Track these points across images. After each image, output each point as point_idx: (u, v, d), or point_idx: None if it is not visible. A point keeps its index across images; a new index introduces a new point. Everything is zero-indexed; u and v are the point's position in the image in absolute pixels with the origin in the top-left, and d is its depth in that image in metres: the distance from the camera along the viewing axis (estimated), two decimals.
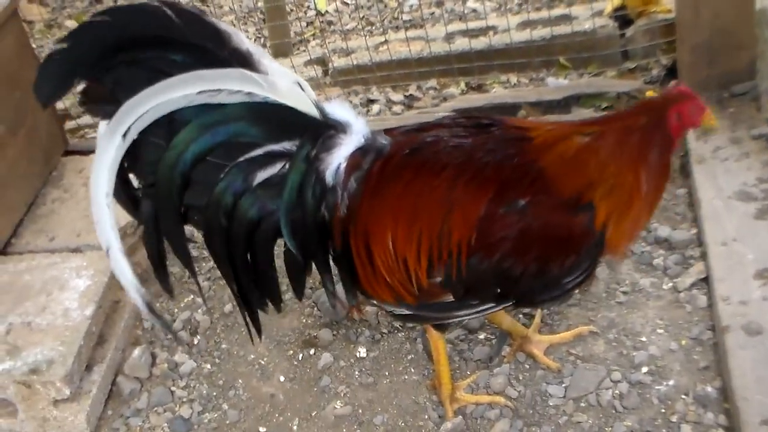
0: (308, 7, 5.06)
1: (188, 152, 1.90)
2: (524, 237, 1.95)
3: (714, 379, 2.32)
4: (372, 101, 3.83)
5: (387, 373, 2.56)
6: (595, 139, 1.97)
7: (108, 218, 1.89)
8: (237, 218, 1.99)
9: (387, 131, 2.11)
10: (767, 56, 3.10)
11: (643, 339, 2.48)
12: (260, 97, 1.87)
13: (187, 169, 1.92)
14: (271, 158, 1.95)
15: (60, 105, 3.76)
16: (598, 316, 2.57)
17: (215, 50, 1.86)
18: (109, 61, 1.87)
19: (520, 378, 2.46)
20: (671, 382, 2.34)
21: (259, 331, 2.16)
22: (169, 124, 1.89)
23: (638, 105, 2.12)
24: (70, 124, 3.84)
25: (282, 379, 2.61)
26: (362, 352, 2.64)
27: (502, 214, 1.95)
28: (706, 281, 2.56)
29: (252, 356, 2.69)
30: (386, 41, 3.95)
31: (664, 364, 2.39)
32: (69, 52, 1.85)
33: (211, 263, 3.04)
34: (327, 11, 4.98)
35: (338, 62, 4.03)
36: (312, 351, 2.68)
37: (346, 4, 5.04)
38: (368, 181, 2.01)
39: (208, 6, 5.17)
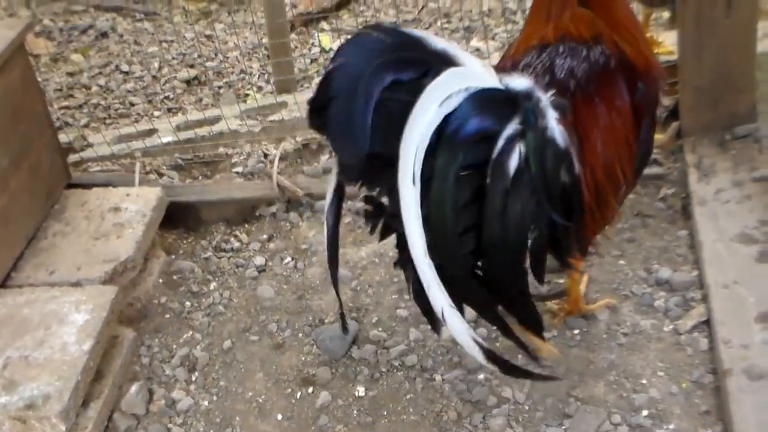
0: (312, 44, 5.09)
1: (450, 179, 1.86)
2: (652, 107, 2.29)
3: (715, 423, 2.30)
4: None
5: (386, 413, 2.54)
6: None
7: (434, 278, 1.85)
8: (512, 223, 1.93)
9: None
10: None
11: (644, 381, 2.46)
12: (474, 89, 1.86)
13: (457, 199, 1.88)
14: (510, 143, 1.91)
15: (63, 138, 3.77)
16: (598, 357, 2.56)
17: (422, 59, 1.87)
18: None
19: (520, 419, 2.44)
20: (672, 426, 2.32)
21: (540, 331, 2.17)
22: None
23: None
24: (73, 158, 3.84)
25: (279, 417, 2.59)
26: (361, 391, 2.62)
27: (638, 103, 2.22)
28: (707, 324, 2.55)
29: (250, 394, 2.68)
30: None
31: (665, 408, 2.37)
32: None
33: (211, 299, 3.04)
34: (331, 48, 5.01)
35: None
36: (310, 389, 2.66)
37: None
38: (575, 124, 2.08)
39: (213, 42, 5.21)
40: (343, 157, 1.97)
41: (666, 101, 3.52)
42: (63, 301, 2.78)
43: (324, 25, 5.37)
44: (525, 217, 1.94)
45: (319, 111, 1.90)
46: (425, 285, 1.87)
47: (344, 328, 2.45)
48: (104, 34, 5.52)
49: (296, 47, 5.00)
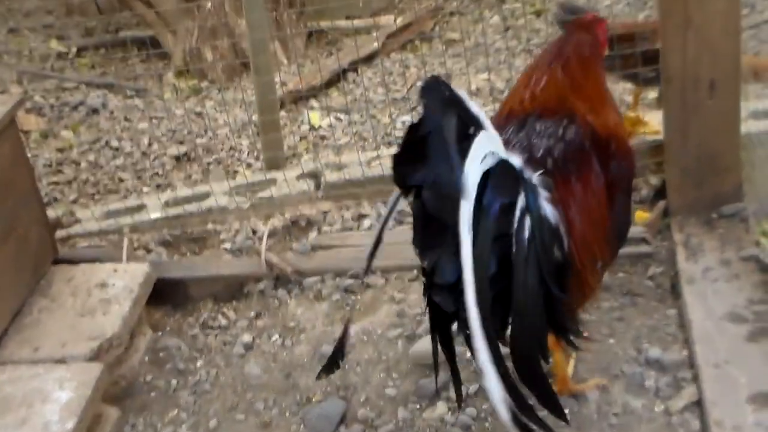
0: (302, 121, 5.14)
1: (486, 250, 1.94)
2: (626, 184, 2.39)
3: None
4: (363, 216, 3.85)
5: None
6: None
7: (484, 345, 1.89)
8: (531, 291, 2.01)
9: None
10: (753, 179, 3.16)
11: None
12: (497, 157, 1.98)
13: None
14: (523, 215, 2.00)
15: (51, 213, 3.76)
16: None
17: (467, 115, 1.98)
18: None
19: None
20: None
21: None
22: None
23: (569, 29, 2.46)
24: (60, 233, 3.83)
25: None
26: None
27: (612, 178, 2.31)
28: (698, 404, 2.53)
29: None
30: (378, 156, 3.99)
31: None
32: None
33: (198, 377, 3.01)
34: (320, 126, 5.06)
35: (330, 176, 4.07)
36: None
37: (340, 119, 5.11)
38: (561, 208, 2.14)
39: (203, 119, 5.25)
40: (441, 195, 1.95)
41: (653, 180, 3.56)
42: (47, 378, 2.74)
43: (313, 102, 5.43)
44: (538, 288, 2.01)
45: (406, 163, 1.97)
46: (474, 341, 1.89)
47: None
48: (95, 111, 5.55)
49: (286, 124, 5.04)
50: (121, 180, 4.61)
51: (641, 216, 3.37)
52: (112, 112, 5.52)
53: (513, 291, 1.98)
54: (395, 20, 6.34)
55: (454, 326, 2.13)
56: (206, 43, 6.18)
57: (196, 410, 2.88)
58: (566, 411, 2.60)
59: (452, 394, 2.70)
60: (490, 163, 1.95)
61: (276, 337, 3.16)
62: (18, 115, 3.30)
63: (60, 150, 5.04)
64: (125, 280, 3.20)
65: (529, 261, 1.99)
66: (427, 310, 2.14)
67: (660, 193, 3.41)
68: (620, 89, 4.39)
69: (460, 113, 1.96)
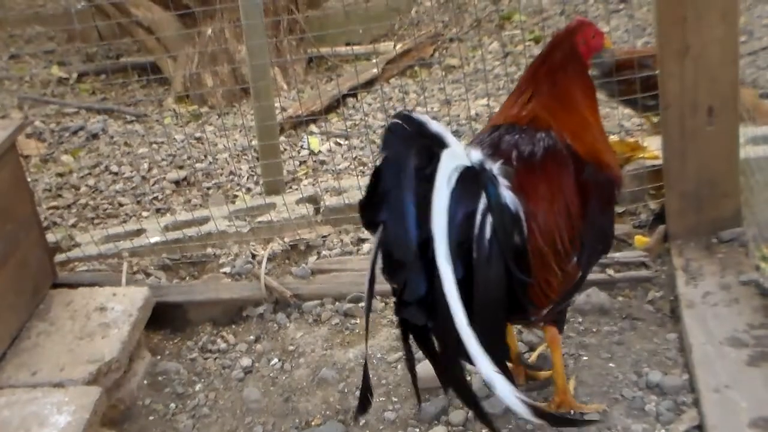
0: (302, 146, 5.16)
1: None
2: (602, 189, 2.44)
3: None
4: (362, 240, 3.85)
5: None
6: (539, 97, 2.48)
7: (478, 347, 2.09)
8: (493, 286, 2.20)
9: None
10: (752, 204, 3.16)
11: None
12: (461, 168, 2.16)
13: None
14: (483, 218, 2.18)
15: (51, 238, 3.76)
16: None
17: (428, 144, 2.16)
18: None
19: None
20: None
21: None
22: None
23: (549, 45, 2.56)
24: (59, 257, 3.83)
25: None
26: None
27: (585, 180, 2.39)
28: (699, 429, 2.52)
29: None
30: None
31: None
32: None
33: (196, 400, 3.00)
34: (320, 151, 5.07)
35: (330, 201, 4.08)
36: None
37: (339, 144, 5.13)
38: (520, 194, 2.28)
39: (203, 144, 5.27)
40: (397, 249, 2.14)
41: (652, 205, 3.57)
42: (44, 402, 2.73)
43: (313, 127, 5.45)
44: (501, 280, 2.20)
45: (371, 208, 2.18)
46: (472, 354, 2.10)
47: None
48: (95, 136, 5.58)
49: (285, 149, 5.06)
50: (120, 204, 4.62)
51: (641, 240, 3.37)
52: (112, 137, 5.54)
53: (475, 292, 2.15)
54: (395, 47, 6.38)
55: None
56: (206, 69, 6.22)
57: None
58: None
59: (452, 418, 2.70)
60: (454, 178, 2.14)
61: (275, 360, 3.15)
62: (18, 140, 3.30)
63: (60, 174, 5.05)
64: (124, 304, 3.20)
65: (491, 260, 2.17)
66: (400, 329, 2.32)
67: (659, 217, 3.41)
68: (619, 114, 4.42)
69: (419, 145, 2.14)
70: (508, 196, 2.25)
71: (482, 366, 2.11)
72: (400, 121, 2.18)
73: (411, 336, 2.30)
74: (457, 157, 2.17)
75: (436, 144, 2.16)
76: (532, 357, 2.91)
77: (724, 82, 3.06)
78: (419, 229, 2.11)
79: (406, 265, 2.13)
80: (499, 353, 2.21)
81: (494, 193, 2.21)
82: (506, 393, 2.12)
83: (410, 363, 2.36)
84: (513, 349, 2.79)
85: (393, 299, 2.25)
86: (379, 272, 2.21)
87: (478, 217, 2.17)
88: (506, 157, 2.35)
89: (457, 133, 4.87)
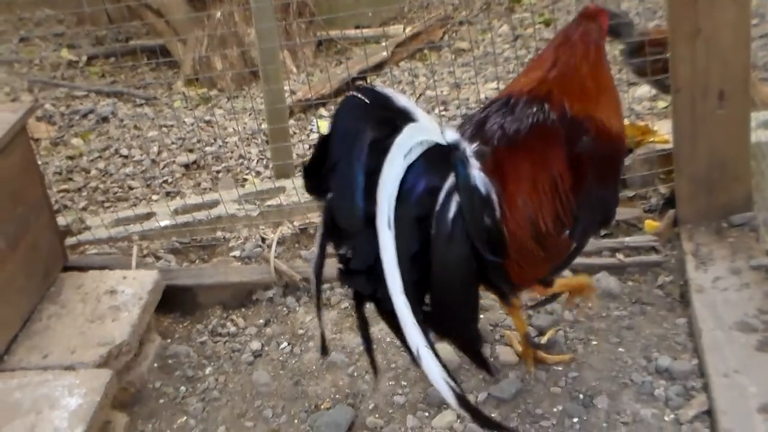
0: (311, 130, 5.15)
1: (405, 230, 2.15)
2: (601, 160, 2.42)
3: None
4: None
5: None
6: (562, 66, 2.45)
7: (410, 316, 2.10)
8: (453, 265, 2.22)
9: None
10: (763, 188, 3.15)
11: None
12: (429, 143, 2.20)
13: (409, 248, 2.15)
14: (449, 196, 2.21)
15: (61, 221, 3.77)
16: None
17: (390, 116, 2.18)
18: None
19: None
20: None
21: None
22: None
23: (578, 18, 2.53)
24: (70, 240, 3.84)
25: None
26: None
27: (579, 153, 2.37)
28: (708, 414, 2.52)
29: None
30: None
31: None
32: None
33: (206, 384, 3.01)
34: None
35: None
36: None
37: None
38: (496, 175, 2.29)
39: (212, 127, 5.27)
40: (342, 219, 2.15)
41: (662, 189, 3.56)
42: (56, 384, 2.74)
43: (322, 111, 5.44)
44: (462, 260, 2.22)
45: (314, 175, 2.19)
46: (402, 324, 2.12)
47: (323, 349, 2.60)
48: (105, 119, 5.58)
49: (295, 133, 5.06)
50: (130, 188, 4.63)
51: (651, 225, 3.37)
52: (122, 120, 5.54)
53: (432, 269, 2.18)
54: (404, 30, 6.36)
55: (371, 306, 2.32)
56: (216, 52, 6.21)
57: (204, 417, 2.88)
58: (575, 420, 2.61)
59: None
60: (417, 151, 2.16)
61: (285, 344, 3.16)
62: (29, 123, 3.31)
63: (70, 158, 5.06)
64: (134, 287, 3.21)
65: (453, 240, 2.19)
66: (352, 295, 2.37)
67: (670, 202, 3.40)
68: (630, 98, 4.40)
69: (379, 117, 2.16)
70: (478, 177, 2.26)
71: (412, 339, 2.12)
72: (358, 94, 2.19)
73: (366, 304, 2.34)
74: (422, 131, 2.19)
75: (401, 118, 2.18)
76: (543, 340, 2.91)
77: (735, 66, 3.03)
78: (367, 200, 2.11)
79: (352, 235, 2.15)
80: (463, 333, 2.33)
81: (463, 174, 2.23)
82: (433, 372, 2.12)
83: (364, 331, 2.38)
84: (521, 330, 2.80)
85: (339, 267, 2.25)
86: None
87: (442, 195, 2.19)
88: (488, 138, 2.37)
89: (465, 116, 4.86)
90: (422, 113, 2.22)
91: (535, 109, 2.41)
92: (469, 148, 2.30)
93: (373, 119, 2.16)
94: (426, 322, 2.17)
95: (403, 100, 2.22)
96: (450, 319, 2.28)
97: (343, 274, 2.25)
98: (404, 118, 2.19)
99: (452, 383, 2.13)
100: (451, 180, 2.22)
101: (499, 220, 2.29)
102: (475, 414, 2.23)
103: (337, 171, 2.12)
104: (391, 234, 2.10)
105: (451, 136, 2.29)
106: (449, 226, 2.19)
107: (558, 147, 2.38)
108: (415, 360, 2.15)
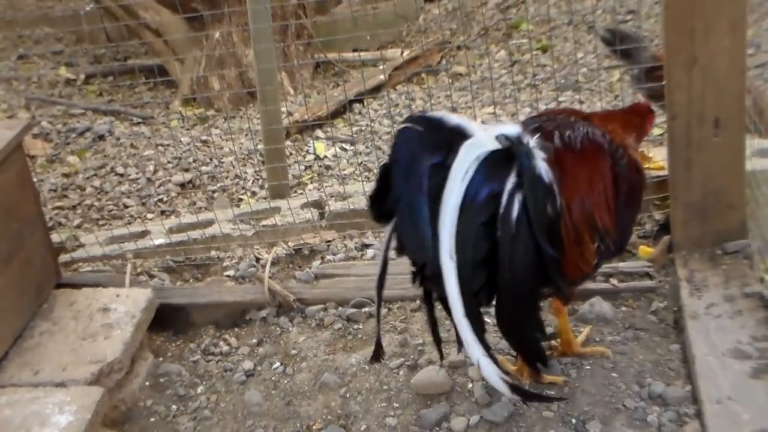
0: (307, 151, 5.16)
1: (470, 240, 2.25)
2: (630, 186, 2.58)
3: None
4: (367, 246, 3.86)
5: None
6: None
7: (470, 334, 2.25)
8: (520, 263, 2.29)
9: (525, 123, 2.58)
10: (757, 216, 3.16)
11: None
12: (483, 155, 2.27)
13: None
14: (511, 197, 2.26)
15: (56, 238, 3.77)
16: None
17: (445, 138, 2.29)
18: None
19: None
20: None
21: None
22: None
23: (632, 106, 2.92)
24: (64, 258, 3.84)
25: None
26: None
27: (618, 172, 2.53)
28: None
29: None
30: None
31: None
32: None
33: (198, 403, 3.00)
34: (326, 156, 5.08)
35: (334, 206, 4.08)
36: None
37: (345, 149, 5.14)
38: (557, 170, 2.37)
39: (208, 147, 5.27)
40: (411, 251, 2.34)
41: (657, 215, 3.57)
42: (46, 402, 2.73)
43: (319, 132, 5.46)
44: (528, 256, 2.29)
45: (380, 203, 2.36)
46: (464, 340, 2.26)
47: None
48: (101, 137, 5.59)
49: (291, 154, 5.07)
50: (125, 206, 4.63)
51: (645, 251, 3.37)
52: (119, 138, 5.55)
53: (499, 269, 2.27)
54: (402, 53, 6.38)
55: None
56: (213, 73, 6.23)
57: None
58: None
59: (453, 425, 2.69)
60: (474, 166, 2.24)
61: (277, 364, 3.15)
62: (25, 140, 3.31)
63: (66, 175, 5.06)
64: (127, 305, 3.20)
65: (518, 238, 2.25)
66: (423, 294, 2.51)
67: (664, 228, 3.41)
68: None
69: (435, 141, 2.28)
70: (543, 167, 2.32)
71: (472, 352, 2.28)
72: (410, 124, 2.32)
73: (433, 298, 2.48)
74: (479, 145, 2.27)
75: (456, 138, 2.27)
76: (580, 337, 2.99)
77: (731, 94, 3.05)
78: (434, 222, 2.24)
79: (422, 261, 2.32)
80: (528, 329, 2.43)
81: (528, 165, 2.28)
82: (492, 375, 2.29)
83: (432, 321, 2.55)
84: (564, 332, 2.89)
85: (413, 270, 2.41)
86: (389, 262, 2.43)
87: (505, 197, 2.25)
88: (547, 137, 2.48)
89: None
90: (475, 126, 2.32)
91: (582, 125, 2.57)
92: (533, 142, 2.37)
93: (429, 146, 2.28)
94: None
95: (454, 119, 2.32)
96: (516, 316, 2.39)
97: (415, 275, 2.41)
98: (459, 136, 2.28)
99: (508, 379, 2.31)
100: (512, 181, 2.27)
101: (561, 210, 2.37)
102: (530, 396, 2.50)
103: (401, 204, 2.28)
104: (452, 265, 2.20)
105: (513, 130, 2.37)
106: (513, 225, 2.25)
107: (607, 159, 2.54)
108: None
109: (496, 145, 2.30)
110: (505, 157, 2.29)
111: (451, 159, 2.24)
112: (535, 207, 2.27)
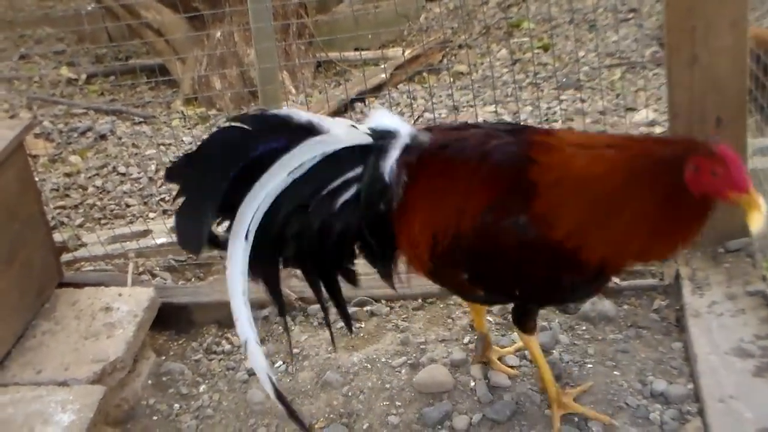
0: None
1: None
2: (511, 253, 2.28)
3: None
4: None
5: None
6: (606, 165, 2.16)
7: (246, 314, 2.29)
8: (328, 236, 2.37)
9: (433, 128, 2.50)
10: None
11: None
12: (331, 150, 2.29)
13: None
14: (347, 184, 2.34)
15: (58, 237, 3.77)
16: None
17: (287, 133, 2.27)
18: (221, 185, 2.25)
19: None
20: None
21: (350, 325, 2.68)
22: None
23: (669, 139, 2.41)
24: (66, 257, 3.84)
25: None
26: None
27: (496, 227, 2.26)
28: None
29: None
30: None
31: None
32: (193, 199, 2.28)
33: (200, 401, 2.99)
34: None
35: None
36: None
37: None
38: (410, 174, 2.36)
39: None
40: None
41: None
42: (48, 400, 2.74)
43: None
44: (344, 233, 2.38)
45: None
46: (235, 318, 2.30)
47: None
48: (103, 137, 5.59)
49: None
50: (127, 205, 4.63)
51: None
52: (120, 138, 5.55)
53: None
54: (403, 52, 6.38)
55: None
56: (215, 72, 6.23)
57: None
58: None
59: (455, 423, 2.69)
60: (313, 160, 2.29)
61: (279, 363, 3.15)
62: (26, 140, 3.31)
63: (68, 175, 5.06)
64: (130, 304, 3.20)
65: (340, 215, 2.34)
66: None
67: None
68: (627, 123, 4.41)
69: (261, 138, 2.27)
70: (388, 169, 2.34)
71: (242, 333, 2.31)
72: (237, 123, 2.30)
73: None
74: (327, 143, 2.28)
75: (302, 133, 2.27)
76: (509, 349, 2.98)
77: (732, 93, 3.05)
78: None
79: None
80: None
81: (374, 164, 2.33)
82: (258, 364, 2.29)
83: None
84: (481, 329, 2.89)
85: None
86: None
87: (337, 183, 2.32)
88: (436, 141, 2.39)
89: None
90: (335, 124, 2.32)
91: (519, 152, 2.30)
92: (406, 137, 2.37)
93: (255, 140, 2.26)
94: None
95: (303, 116, 2.30)
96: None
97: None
98: (306, 132, 2.27)
99: (273, 378, 2.29)
100: (355, 173, 2.34)
101: (393, 209, 2.37)
102: (289, 410, 2.35)
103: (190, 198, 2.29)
104: (246, 246, 2.24)
105: (394, 124, 2.40)
106: (336, 207, 2.33)
107: (483, 205, 2.30)
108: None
109: (354, 141, 2.32)
110: (357, 153, 2.34)
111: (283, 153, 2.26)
112: (367, 202, 2.34)
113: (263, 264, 2.38)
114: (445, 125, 2.51)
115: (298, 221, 2.34)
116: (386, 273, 2.54)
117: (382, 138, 2.37)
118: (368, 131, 2.37)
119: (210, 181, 2.24)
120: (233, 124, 2.30)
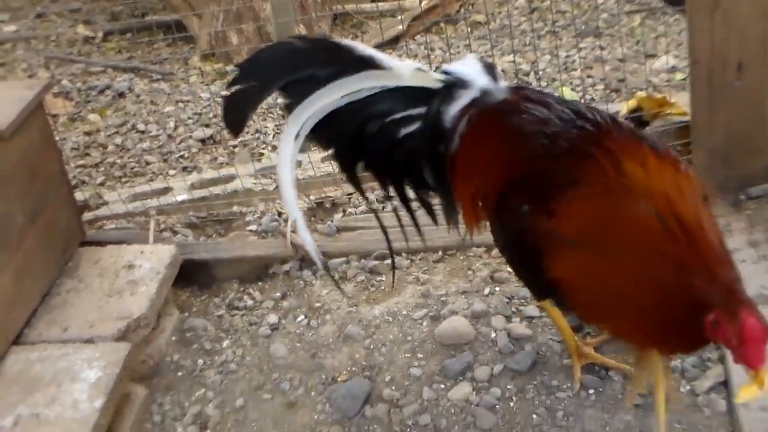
0: None
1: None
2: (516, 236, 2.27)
3: None
4: (390, 197, 3.84)
5: None
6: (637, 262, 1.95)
7: (293, 199, 2.40)
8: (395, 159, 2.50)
9: (521, 89, 2.47)
10: None
11: None
12: (392, 86, 2.39)
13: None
14: (410, 119, 2.43)
15: (79, 196, 3.80)
16: (614, 418, 2.53)
17: (347, 62, 2.36)
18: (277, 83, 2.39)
19: None
20: None
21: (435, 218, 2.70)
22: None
23: (721, 260, 2.06)
24: (87, 216, 3.86)
25: None
26: None
27: (510, 207, 2.27)
28: (725, 385, 2.52)
29: None
30: None
31: None
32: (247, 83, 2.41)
33: (224, 356, 3.03)
34: None
35: None
36: None
37: None
38: (469, 127, 2.38)
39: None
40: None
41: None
42: (75, 358, 2.77)
43: None
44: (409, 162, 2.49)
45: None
46: (284, 203, 2.44)
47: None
48: (121, 95, 5.59)
49: None
50: (147, 163, 4.64)
51: None
52: (139, 95, 5.55)
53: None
54: (420, 3, 6.31)
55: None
56: (231, 27, 6.19)
57: (222, 389, 2.91)
58: (591, 391, 2.61)
59: (477, 374, 2.71)
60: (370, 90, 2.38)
61: (301, 317, 3.18)
62: (46, 99, 3.32)
63: (87, 133, 5.08)
64: (152, 261, 3.23)
65: (398, 145, 2.45)
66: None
67: None
68: (648, 70, 4.36)
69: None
70: (450, 114, 2.40)
71: (292, 212, 2.47)
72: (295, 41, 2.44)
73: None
74: (385, 78, 2.37)
75: (361, 64, 2.35)
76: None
77: (754, 38, 3.01)
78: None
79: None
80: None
81: (436, 108, 2.40)
82: (307, 239, 2.47)
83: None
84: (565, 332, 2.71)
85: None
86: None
87: (399, 115, 2.42)
88: (513, 101, 2.36)
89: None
90: (400, 64, 2.38)
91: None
92: (476, 88, 2.40)
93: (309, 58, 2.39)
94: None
95: (369, 50, 2.39)
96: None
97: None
98: (366, 64, 2.35)
99: (318, 253, 2.52)
100: (416, 110, 2.42)
101: (451, 153, 2.41)
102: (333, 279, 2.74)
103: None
104: (294, 146, 2.37)
105: (467, 71, 2.43)
106: (400, 133, 2.44)
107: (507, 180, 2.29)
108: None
109: (418, 83, 2.40)
110: (421, 94, 2.41)
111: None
112: (428, 140, 2.42)
113: (343, 162, 2.58)
114: (535, 91, 2.41)
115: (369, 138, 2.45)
116: (448, 213, 2.61)
117: (454, 85, 2.41)
118: (441, 75, 2.43)
119: (268, 76, 2.38)
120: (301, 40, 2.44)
